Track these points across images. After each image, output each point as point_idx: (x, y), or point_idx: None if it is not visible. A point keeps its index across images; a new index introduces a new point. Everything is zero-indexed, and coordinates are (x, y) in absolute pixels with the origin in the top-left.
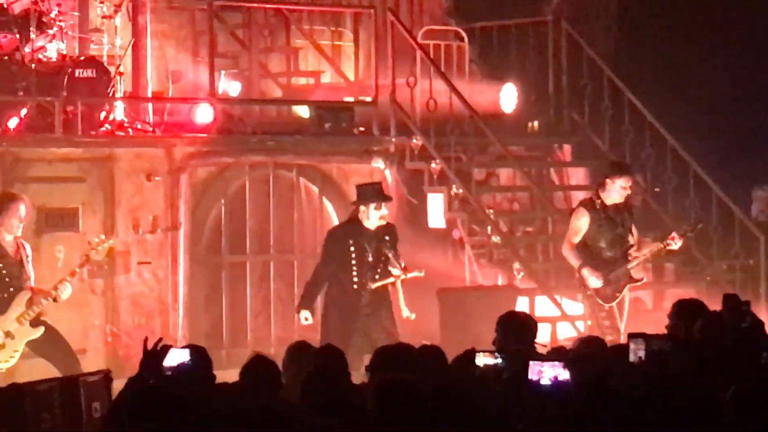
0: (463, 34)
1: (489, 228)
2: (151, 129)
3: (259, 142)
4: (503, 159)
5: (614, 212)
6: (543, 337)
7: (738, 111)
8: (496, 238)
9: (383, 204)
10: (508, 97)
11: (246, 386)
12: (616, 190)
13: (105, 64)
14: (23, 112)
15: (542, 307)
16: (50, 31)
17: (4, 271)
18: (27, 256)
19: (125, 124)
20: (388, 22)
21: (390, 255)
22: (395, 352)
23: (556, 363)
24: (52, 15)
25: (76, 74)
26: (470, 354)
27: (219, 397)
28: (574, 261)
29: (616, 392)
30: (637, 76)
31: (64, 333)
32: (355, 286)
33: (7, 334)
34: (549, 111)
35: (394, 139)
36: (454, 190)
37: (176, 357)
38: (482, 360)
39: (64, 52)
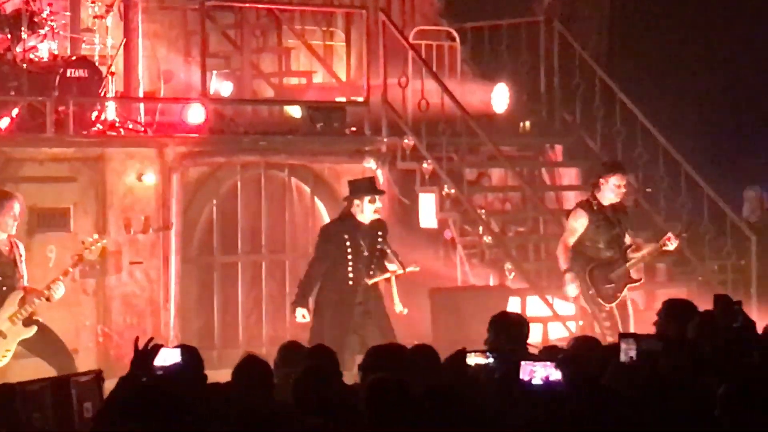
0: (455, 34)
1: (481, 228)
2: (142, 129)
3: (250, 142)
4: (495, 159)
5: (611, 212)
6: (534, 337)
7: (729, 111)
8: (487, 238)
9: (377, 197)
10: (500, 97)
11: (238, 386)
12: (611, 189)
13: (96, 64)
14: (15, 111)
15: (534, 307)
16: (42, 31)
17: None
18: (20, 256)
19: (117, 124)
20: (380, 23)
21: (388, 250)
22: (388, 352)
23: (548, 363)
24: (44, 15)
25: (68, 74)
26: (461, 354)
27: (211, 397)
28: (562, 263)
29: (607, 392)
30: (629, 77)
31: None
32: (351, 282)
33: (0, 334)
34: (541, 111)
35: (385, 139)
36: (445, 190)
37: (167, 356)
38: (473, 360)
39: (56, 52)
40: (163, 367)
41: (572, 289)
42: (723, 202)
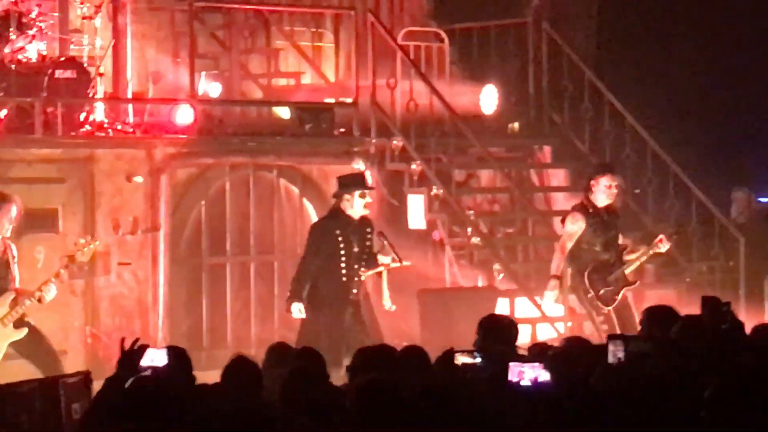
0: (444, 35)
1: (469, 229)
2: (131, 130)
3: (239, 143)
4: (483, 160)
5: (606, 214)
6: (523, 339)
7: (718, 113)
8: (476, 240)
9: (367, 192)
10: (489, 99)
11: (228, 387)
12: (602, 191)
13: (85, 64)
14: (3, 113)
15: (522, 308)
16: (30, 32)
17: None
18: (13, 257)
19: (105, 125)
20: (369, 24)
21: (385, 242)
22: (377, 353)
23: (536, 364)
24: (32, 16)
25: (56, 75)
26: (450, 354)
27: (200, 398)
28: (554, 268)
29: (595, 393)
30: (618, 78)
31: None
32: (344, 279)
33: None
34: (529, 112)
35: (374, 140)
36: (434, 191)
37: (153, 357)
38: (461, 359)
39: (44, 53)
40: (149, 368)
41: (550, 296)
42: (711, 203)
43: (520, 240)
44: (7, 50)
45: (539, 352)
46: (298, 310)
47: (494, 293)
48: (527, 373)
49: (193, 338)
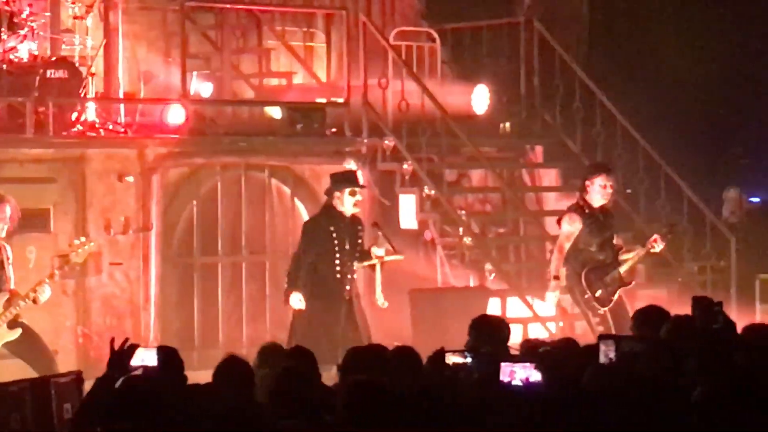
0: (435, 35)
1: (461, 229)
2: (122, 130)
3: (230, 143)
4: (475, 160)
5: (601, 215)
6: (515, 338)
7: (709, 112)
8: (467, 239)
9: (358, 191)
10: (480, 99)
11: (219, 387)
12: (597, 191)
13: (76, 64)
14: None
15: (514, 308)
16: (21, 32)
17: None
18: (8, 258)
19: (97, 125)
20: (360, 23)
21: (380, 233)
22: (368, 353)
23: (528, 364)
24: (24, 15)
25: (48, 75)
26: (440, 354)
27: (191, 397)
28: (553, 269)
29: (587, 393)
30: (609, 78)
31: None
32: (338, 275)
33: None
34: (521, 112)
35: (366, 140)
36: (426, 191)
37: (143, 356)
38: (452, 359)
39: (36, 53)
40: (139, 368)
41: (551, 297)
42: (703, 203)
43: (512, 240)
44: None
45: (531, 349)
46: (297, 300)
47: (486, 293)
48: (518, 373)
49: (184, 338)
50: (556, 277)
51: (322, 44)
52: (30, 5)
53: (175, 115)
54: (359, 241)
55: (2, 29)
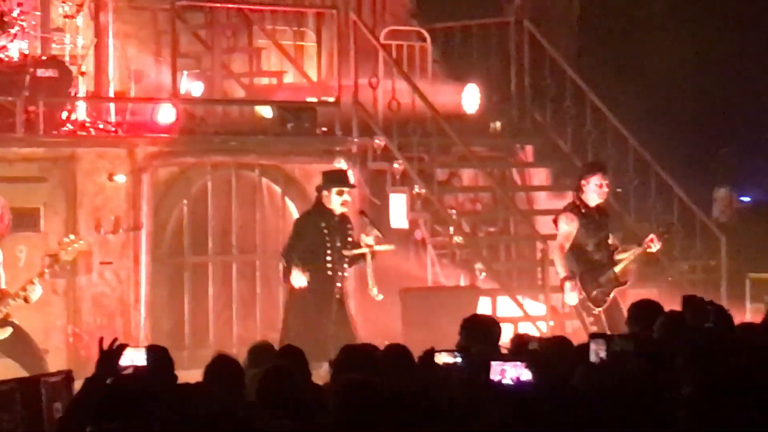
0: (426, 34)
1: (451, 228)
2: (113, 129)
3: (221, 143)
4: (466, 159)
5: (597, 214)
6: (505, 338)
7: (699, 112)
8: (458, 239)
9: (345, 190)
10: (471, 98)
11: (209, 386)
12: (593, 190)
13: (67, 63)
14: None
15: (504, 307)
16: (12, 31)
17: None
18: None
19: (87, 124)
20: (351, 23)
21: (367, 221)
22: (361, 352)
23: (518, 363)
24: (14, 14)
25: (38, 74)
26: (430, 354)
27: (182, 397)
28: (561, 270)
29: (577, 392)
30: (600, 77)
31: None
32: (329, 273)
33: None
34: (511, 111)
35: (356, 140)
36: (416, 190)
37: (132, 356)
38: (442, 359)
39: (26, 52)
40: (128, 367)
41: (573, 297)
42: (693, 202)
43: (502, 239)
44: None
45: (521, 344)
46: (298, 275)
47: (476, 292)
48: (509, 372)
49: (175, 337)
50: (569, 277)
51: (313, 43)
52: (20, 4)
53: (166, 114)
54: (349, 239)
55: None
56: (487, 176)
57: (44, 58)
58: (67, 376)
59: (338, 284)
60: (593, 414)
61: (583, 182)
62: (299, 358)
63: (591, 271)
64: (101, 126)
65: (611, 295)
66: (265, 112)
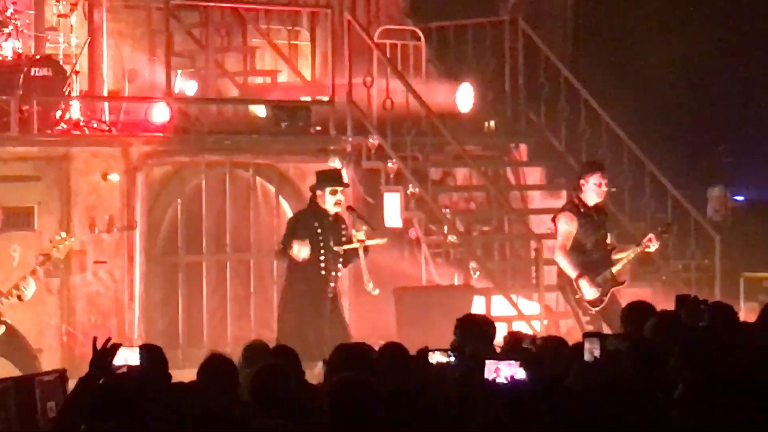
0: (420, 33)
1: (445, 227)
2: (107, 128)
3: (215, 142)
4: (460, 158)
5: (595, 214)
6: (500, 337)
7: (693, 111)
8: (452, 238)
9: (339, 190)
10: (465, 97)
11: (203, 385)
12: (592, 189)
13: (61, 62)
14: None
15: (498, 306)
16: (6, 30)
17: None
18: None
19: (81, 123)
20: (345, 22)
21: (355, 216)
22: (356, 351)
23: (513, 362)
24: (8, 13)
25: (32, 73)
26: (424, 353)
27: (175, 396)
28: (570, 270)
29: (571, 391)
30: (594, 77)
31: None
32: (323, 272)
33: None
34: (505, 111)
35: (350, 139)
36: (410, 189)
37: (126, 356)
38: (435, 358)
39: (20, 51)
40: (122, 367)
41: (593, 293)
42: (687, 201)
43: (497, 238)
44: None
45: (515, 342)
46: (299, 245)
47: (470, 291)
48: (503, 371)
49: (169, 336)
50: (582, 274)
51: (307, 42)
52: (14, 3)
53: (160, 113)
54: (343, 239)
55: None
56: (482, 175)
57: (38, 57)
58: (61, 375)
59: (332, 284)
60: (588, 413)
61: (582, 181)
62: (293, 358)
63: (588, 270)
64: (95, 125)
65: (609, 295)
66: (260, 111)
